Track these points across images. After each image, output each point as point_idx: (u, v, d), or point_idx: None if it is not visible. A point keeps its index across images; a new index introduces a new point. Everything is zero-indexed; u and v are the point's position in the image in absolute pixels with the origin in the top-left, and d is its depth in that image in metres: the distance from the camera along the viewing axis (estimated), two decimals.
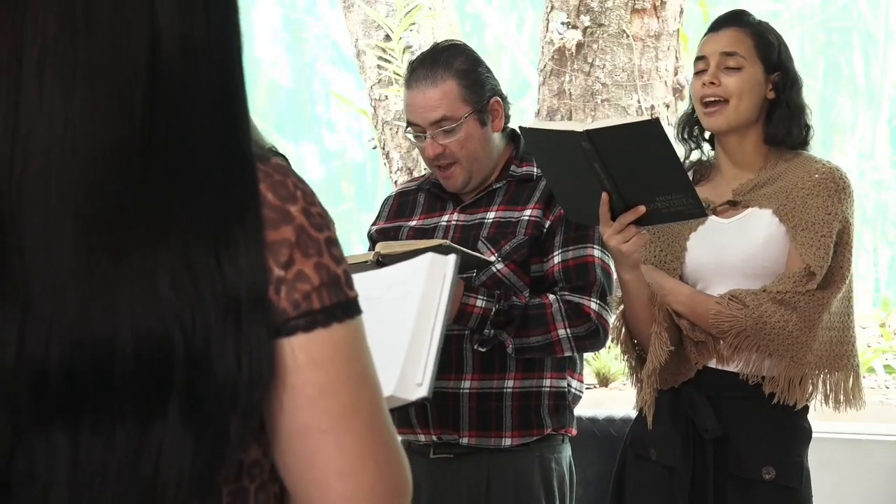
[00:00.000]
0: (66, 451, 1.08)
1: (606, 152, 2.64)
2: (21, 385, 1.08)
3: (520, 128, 2.90)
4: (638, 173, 2.67)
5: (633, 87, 5.57)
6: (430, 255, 1.87)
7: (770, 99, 2.91)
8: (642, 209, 2.70)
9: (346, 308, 1.15)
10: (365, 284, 1.64)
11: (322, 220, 1.16)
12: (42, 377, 1.07)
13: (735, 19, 2.96)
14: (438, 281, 1.80)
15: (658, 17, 5.62)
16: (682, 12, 5.69)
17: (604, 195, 2.70)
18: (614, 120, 2.94)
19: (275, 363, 1.12)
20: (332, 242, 1.16)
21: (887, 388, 5.77)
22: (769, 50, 2.90)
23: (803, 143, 2.94)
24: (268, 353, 1.11)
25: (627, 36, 5.59)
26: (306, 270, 1.13)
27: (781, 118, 2.90)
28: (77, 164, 1.08)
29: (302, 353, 1.13)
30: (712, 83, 2.88)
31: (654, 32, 5.59)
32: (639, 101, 5.55)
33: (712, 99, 2.89)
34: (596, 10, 5.58)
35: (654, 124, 2.66)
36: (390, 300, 1.80)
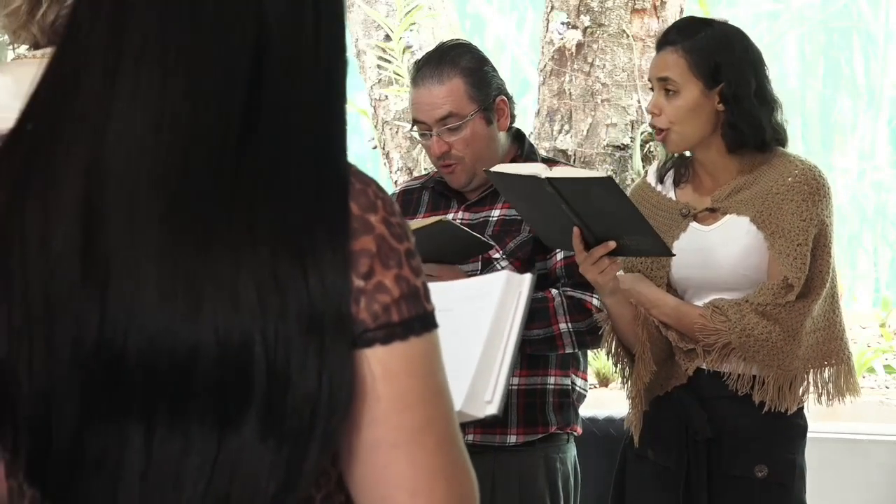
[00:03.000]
0: (141, 446, 1.05)
1: (570, 197, 2.71)
2: (98, 367, 1.05)
3: (485, 171, 2.89)
4: (603, 217, 2.73)
5: (633, 87, 5.57)
6: (505, 272, 1.87)
7: (721, 111, 2.88)
8: (612, 244, 2.75)
9: (424, 321, 1.12)
10: (437, 295, 1.60)
11: (402, 231, 1.12)
12: (118, 365, 1.05)
13: (674, 37, 2.94)
14: (514, 298, 1.77)
15: (658, 17, 5.62)
16: (682, 12, 5.68)
17: (575, 230, 2.76)
18: (573, 171, 3.01)
19: (355, 383, 1.08)
20: (412, 254, 1.12)
21: (887, 388, 5.76)
22: (706, 65, 2.86)
23: (762, 145, 2.90)
24: (348, 374, 1.07)
25: (627, 36, 5.58)
26: (386, 282, 1.10)
27: (727, 133, 2.88)
28: (169, 156, 1.05)
29: (379, 365, 1.09)
30: (653, 113, 2.91)
31: (655, 32, 5.58)
32: (639, 101, 5.54)
33: (658, 127, 2.91)
34: (596, 10, 5.58)
35: (608, 182, 2.72)
36: (463, 314, 1.77)
